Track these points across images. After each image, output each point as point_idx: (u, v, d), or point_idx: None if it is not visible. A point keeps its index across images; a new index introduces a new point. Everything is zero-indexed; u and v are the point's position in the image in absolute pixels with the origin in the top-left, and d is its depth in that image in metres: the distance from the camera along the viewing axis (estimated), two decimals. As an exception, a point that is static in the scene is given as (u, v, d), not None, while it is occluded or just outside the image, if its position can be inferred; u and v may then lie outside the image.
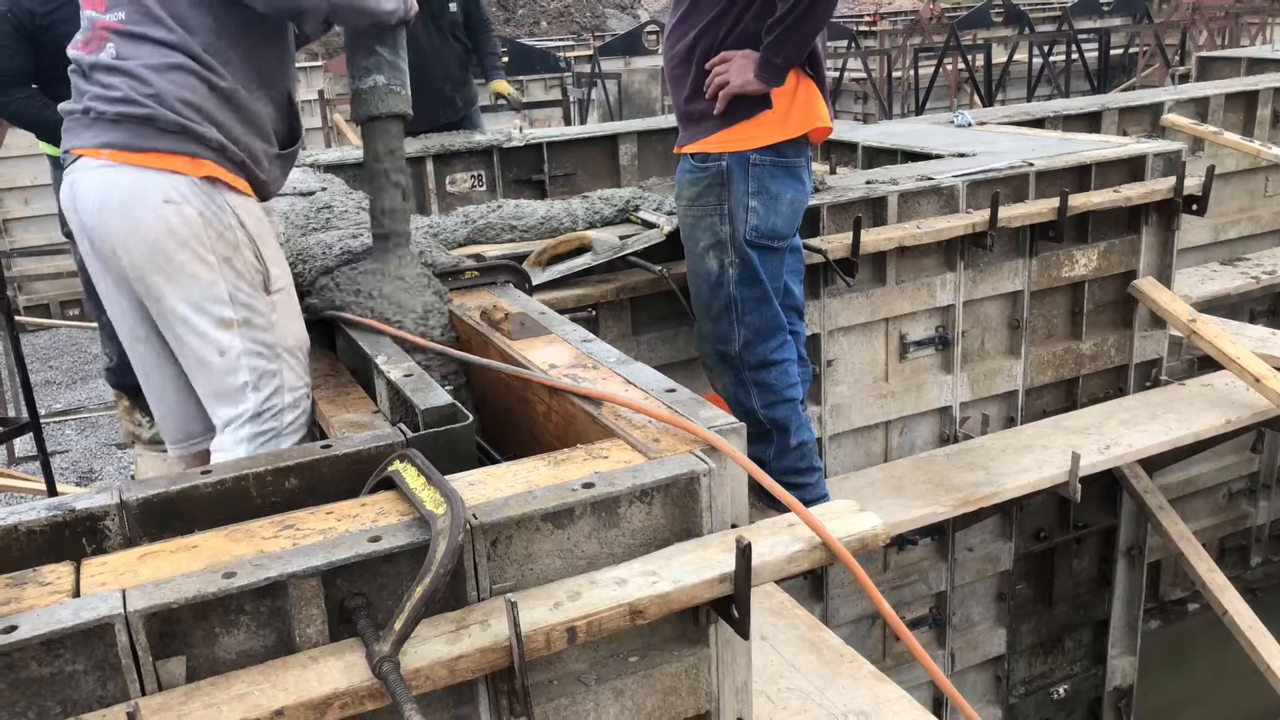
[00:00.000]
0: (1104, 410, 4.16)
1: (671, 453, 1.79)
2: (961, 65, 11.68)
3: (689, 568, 1.63)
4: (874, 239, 3.62)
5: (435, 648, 1.48)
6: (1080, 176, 4.15)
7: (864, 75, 12.04)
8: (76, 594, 1.45)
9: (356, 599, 1.54)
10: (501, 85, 5.95)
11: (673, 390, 2.01)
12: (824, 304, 3.72)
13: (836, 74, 12.14)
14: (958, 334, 4.01)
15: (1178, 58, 12.01)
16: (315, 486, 1.83)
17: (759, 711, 2.42)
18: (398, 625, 1.43)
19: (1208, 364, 4.46)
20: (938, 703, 4.13)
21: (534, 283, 3.04)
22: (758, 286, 3.00)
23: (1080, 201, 3.98)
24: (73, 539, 1.68)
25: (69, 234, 3.58)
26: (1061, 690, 4.81)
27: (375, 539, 1.54)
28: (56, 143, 3.85)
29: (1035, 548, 4.49)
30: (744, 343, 3.00)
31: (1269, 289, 6.08)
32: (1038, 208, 3.92)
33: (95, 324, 3.90)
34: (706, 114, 2.96)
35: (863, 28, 17.38)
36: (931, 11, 15.75)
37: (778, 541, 1.71)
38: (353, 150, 5.19)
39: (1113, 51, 12.78)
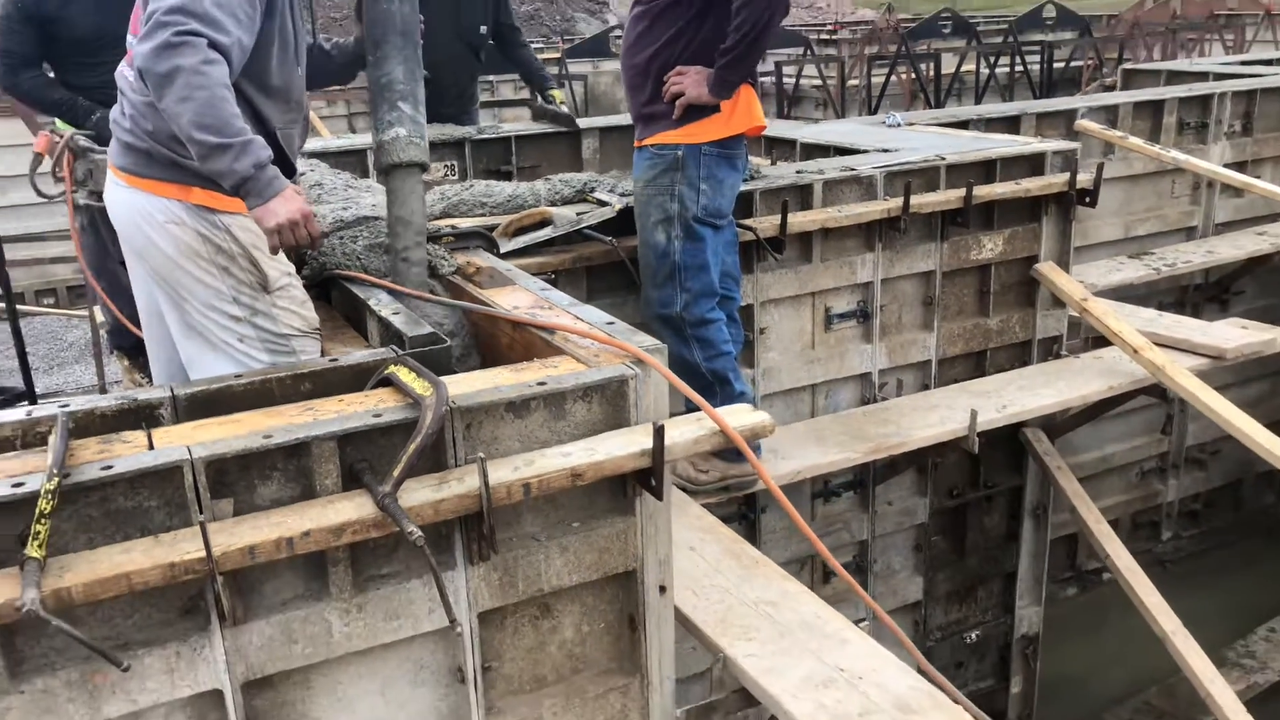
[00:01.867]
0: (1005, 378, 4.70)
1: (608, 365, 2.28)
2: (912, 74, 12.29)
3: (618, 445, 2.13)
4: (800, 220, 4.13)
5: (423, 494, 1.96)
6: (987, 170, 4.69)
7: (819, 82, 12.61)
8: (151, 448, 1.92)
9: (362, 463, 2.02)
10: (558, 94, 6.31)
11: (612, 323, 2.51)
12: (757, 278, 4.22)
13: (793, 80, 12.70)
14: (876, 308, 4.53)
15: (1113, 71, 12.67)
16: (325, 391, 2.30)
17: (686, 603, 2.91)
18: (395, 472, 1.91)
19: (1101, 343, 5.01)
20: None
21: (501, 251, 3.51)
22: (699, 256, 3.51)
23: (985, 192, 4.51)
24: (134, 422, 2.14)
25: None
26: (974, 636, 5.34)
27: (378, 415, 2.02)
28: (63, 119, 4.26)
29: (949, 503, 5.02)
30: (684, 304, 3.51)
31: (1172, 280, 6.68)
32: (946, 196, 4.45)
33: (76, 312, 4.28)
34: (665, 114, 3.49)
35: (823, 36, 18.02)
36: (888, 22, 16.40)
37: (687, 429, 2.21)
38: (333, 141, 5.66)
39: (1056, 64, 13.44)
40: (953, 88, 12.64)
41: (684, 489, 3.66)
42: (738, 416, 2.27)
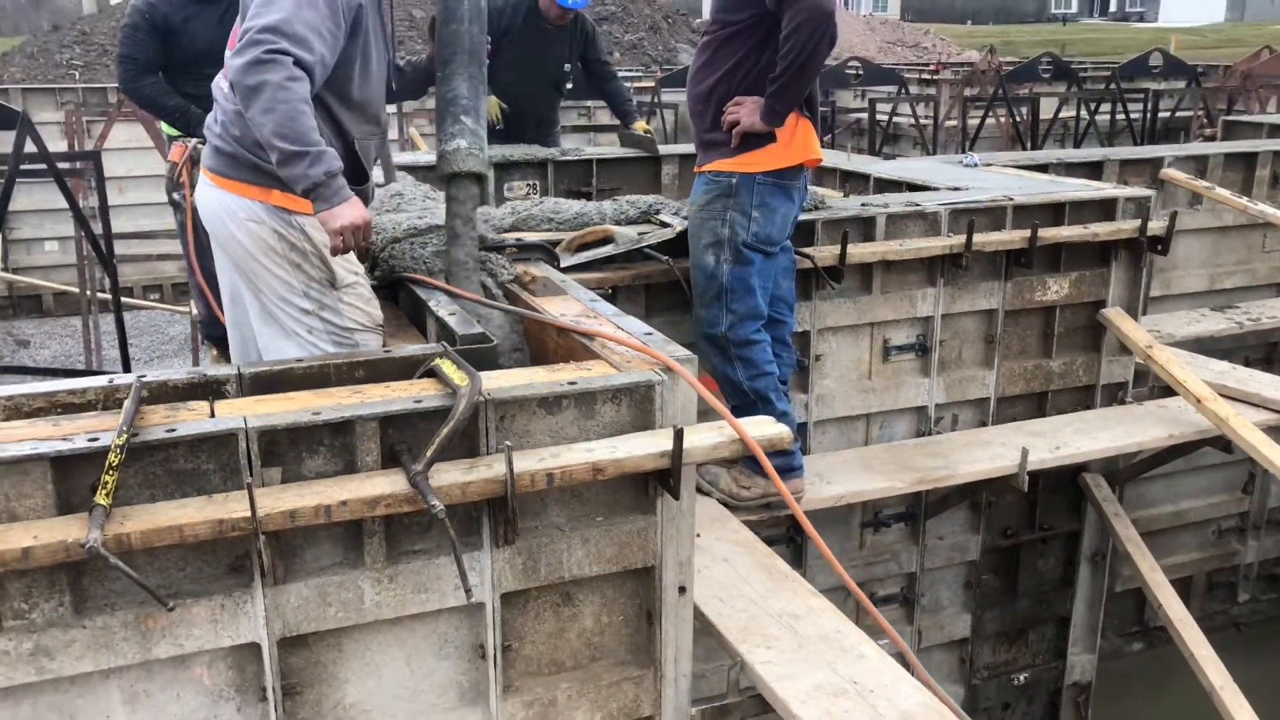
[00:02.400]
0: (1062, 420, 4.69)
1: (639, 371, 2.41)
2: (1007, 116, 12.19)
3: (639, 445, 2.26)
4: (860, 251, 4.22)
5: (453, 476, 2.12)
6: (1055, 212, 4.70)
7: (913, 122, 12.60)
8: (212, 416, 2.12)
9: (401, 445, 2.19)
10: (640, 125, 6.52)
11: (650, 333, 2.64)
12: (815, 305, 4.32)
13: (886, 118, 12.72)
14: (936, 342, 4.58)
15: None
16: (377, 378, 2.48)
17: (712, 609, 3.01)
18: (428, 453, 2.08)
19: (1169, 393, 4.96)
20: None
21: (563, 265, 3.69)
22: (746, 280, 3.63)
23: (1050, 234, 4.54)
24: (202, 395, 2.34)
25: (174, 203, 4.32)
26: (1022, 678, 5.30)
27: (418, 401, 2.19)
28: (175, 125, 4.59)
29: (1002, 543, 5.01)
30: (729, 325, 3.63)
31: (1260, 335, 6.54)
32: (1010, 236, 4.48)
33: (178, 308, 4.59)
34: (723, 142, 3.62)
35: (925, 76, 17.98)
36: (989, 63, 16.28)
37: (708, 435, 2.33)
38: (423, 155, 5.93)
39: (1162, 114, 13.19)
40: (1050, 132, 12.49)
41: (725, 504, 3.76)
42: (758, 427, 2.38)
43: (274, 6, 2.64)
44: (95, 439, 1.99)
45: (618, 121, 6.67)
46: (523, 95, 5.89)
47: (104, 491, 1.92)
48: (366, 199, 3.12)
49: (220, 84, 2.91)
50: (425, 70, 3.40)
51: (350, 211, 2.65)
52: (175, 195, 4.20)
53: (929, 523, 4.75)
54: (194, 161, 4.21)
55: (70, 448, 1.96)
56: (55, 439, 1.99)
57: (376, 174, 3.17)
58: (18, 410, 2.23)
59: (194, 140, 4.39)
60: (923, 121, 13.06)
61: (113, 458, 1.92)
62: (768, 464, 2.33)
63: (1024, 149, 12.06)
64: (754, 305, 3.64)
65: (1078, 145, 12.72)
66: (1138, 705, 6.09)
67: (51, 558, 1.89)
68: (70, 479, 1.99)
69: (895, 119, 13.04)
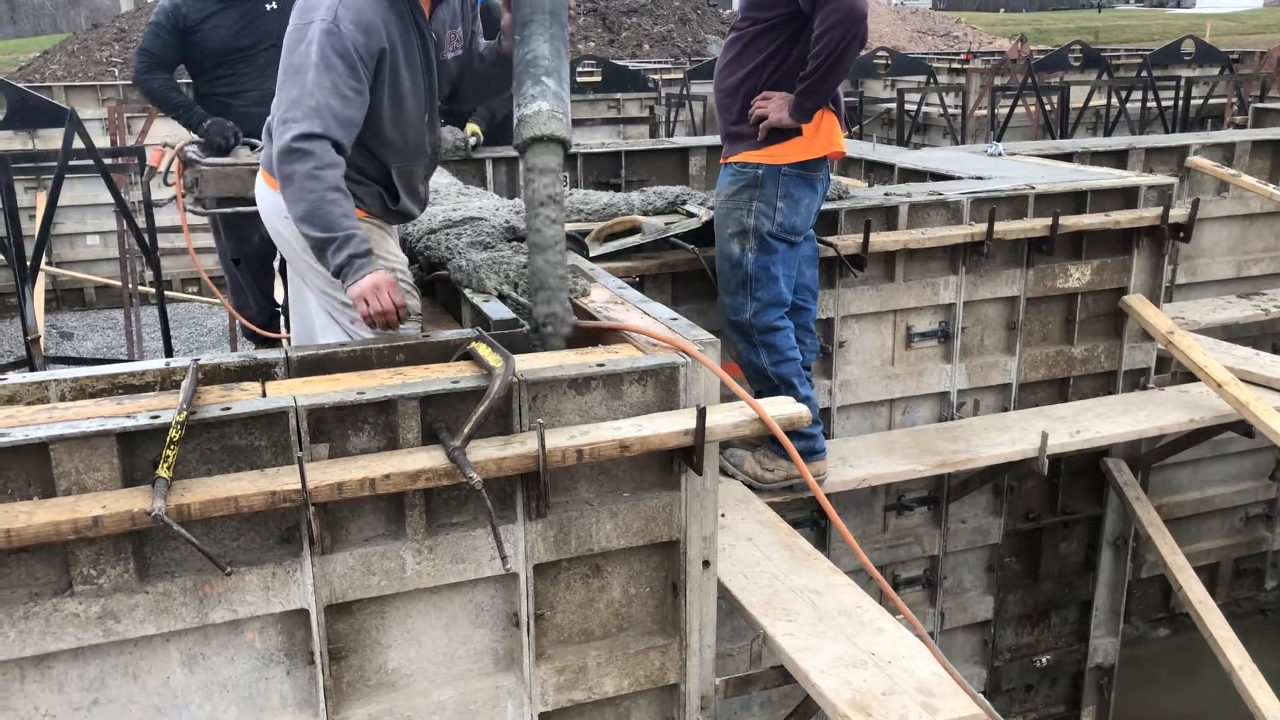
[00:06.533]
0: (1084, 405, 4.76)
1: (664, 354, 2.53)
2: (1036, 105, 12.17)
3: (664, 424, 2.38)
4: (883, 240, 4.31)
5: (488, 451, 2.25)
6: (1077, 201, 4.77)
7: (941, 111, 12.60)
8: (264, 396, 2.26)
9: (440, 423, 2.32)
10: (471, 127, 6.20)
11: (675, 319, 2.76)
12: (839, 293, 4.41)
13: (915, 107, 12.73)
14: (958, 329, 4.66)
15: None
16: (416, 362, 2.62)
17: (736, 585, 3.13)
18: (466, 430, 2.21)
19: (1191, 378, 5.01)
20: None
21: (591, 254, 3.81)
22: (771, 268, 3.74)
23: (1072, 222, 4.60)
24: (254, 377, 2.49)
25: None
26: (1045, 660, 5.38)
27: (456, 382, 2.32)
28: (178, 120, 4.78)
29: (1024, 527, 5.09)
30: (753, 312, 3.73)
31: (1281, 320, 6.55)
32: (1032, 224, 4.56)
33: (216, 300, 4.78)
34: (750, 135, 3.73)
35: (955, 65, 17.93)
36: (1019, 52, 16.21)
37: (729, 414, 2.45)
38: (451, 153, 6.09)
39: (1194, 101, 13.11)
40: (1081, 121, 12.46)
41: (750, 486, 3.88)
42: (777, 407, 2.49)
43: (295, 82, 2.75)
44: (157, 416, 2.13)
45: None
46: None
47: (165, 465, 2.06)
48: (407, 216, 3.24)
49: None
50: (500, 56, 3.15)
51: (372, 280, 2.73)
52: (149, 195, 4.36)
53: (951, 506, 4.83)
54: (184, 162, 4.39)
55: (135, 424, 2.11)
56: (120, 416, 2.14)
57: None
58: (82, 391, 2.38)
59: (182, 143, 4.57)
60: (952, 111, 13.06)
61: (174, 433, 2.07)
62: (785, 439, 2.44)
63: (1053, 138, 12.04)
64: (778, 293, 3.75)
65: (1108, 134, 12.67)
66: (1163, 690, 6.14)
67: (119, 526, 2.04)
68: (134, 454, 2.14)
69: (925, 109, 13.06)
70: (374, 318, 2.73)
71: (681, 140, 6.81)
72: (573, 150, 5.97)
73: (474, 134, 5.78)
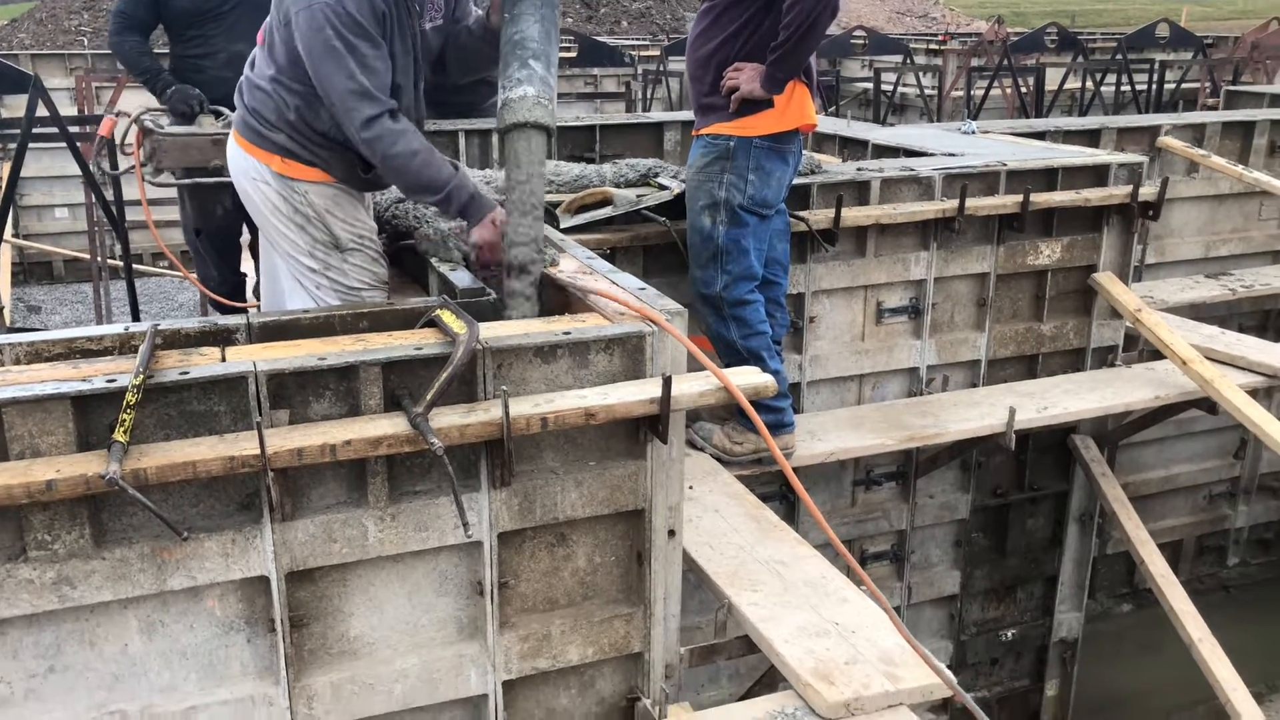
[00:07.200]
0: (1052, 381, 4.80)
1: (631, 323, 2.52)
2: (1012, 87, 12.20)
3: (630, 392, 2.37)
4: (854, 215, 4.30)
5: (452, 418, 2.24)
6: (1049, 178, 4.78)
7: (917, 92, 12.61)
8: (223, 361, 2.23)
9: (403, 390, 2.30)
10: None
11: (643, 288, 2.74)
12: (810, 268, 4.41)
13: (890, 88, 12.73)
14: (928, 305, 4.67)
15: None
16: (380, 329, 2.59)
17: (702, 556, 3.13)
18: (428, 396, 2.19)
19: (1158, 356, 5.05)
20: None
21: (562, 226, 3.78)
22: (741, 241, 3.73)
23: (1043, 199, 4.62)
24: (214, 343, 2.46)
25: None
26: (1010, 634, 5.43)
27: (419, 348, 2.30)
28: (144, 85, 4.69)
29: (991, 502, 5.13)
30: (724, 285, 3.72)
31: (1255, 303, 6.62)
32: (1003, 201, 4.57)
33: (187, 274, 4.71)
34: (721, 106, 3.71)
35: (933, 46, 17.92)
36: (996, 34, 16.22)
37: (695, 383, 2.44)
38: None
39: (1168, 85, 13.18)
40: (1056, 103, 12.50)
41: (719, 459, 3.88)
42: (743, 377, 2.49)
43: (329, 72, 2.79)
44: (113, 380, 2.10)
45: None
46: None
47: (122, 429, 2.03)
48: (381, 184, 3.23)
49: (256, 56, 3.07)
50: (488, 31, 3.10)
51: (482, 232, 2.93)
52: (104, 166, 4.26)
53: (919, 481, 4.86)
54: (145, 132, 4.31)
55: (90, 388, 2.08)
56: (75, 380, 2.11)
57: None
58: (38, 355, 2.35)
59: (139, 111, 4.48)
60: (928, 92, 13.07)
61: (130, 397, 2.04)
62: (750, 408, 2.44)
63: (1029, 120, 12.07)
64: (748, 266, 3.74)
65: (1083, 116, 12.72)
66: (1126, 664, 6.23)
67: (73, 490, 2.01)
68: (90, 418, 2.11)
69: (901, 89, 13.06)
70: (484, 252, 2.92)
71: (656, 115, 6.78)
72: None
73: None
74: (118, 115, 4.35)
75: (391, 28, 2.93)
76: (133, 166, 4.14)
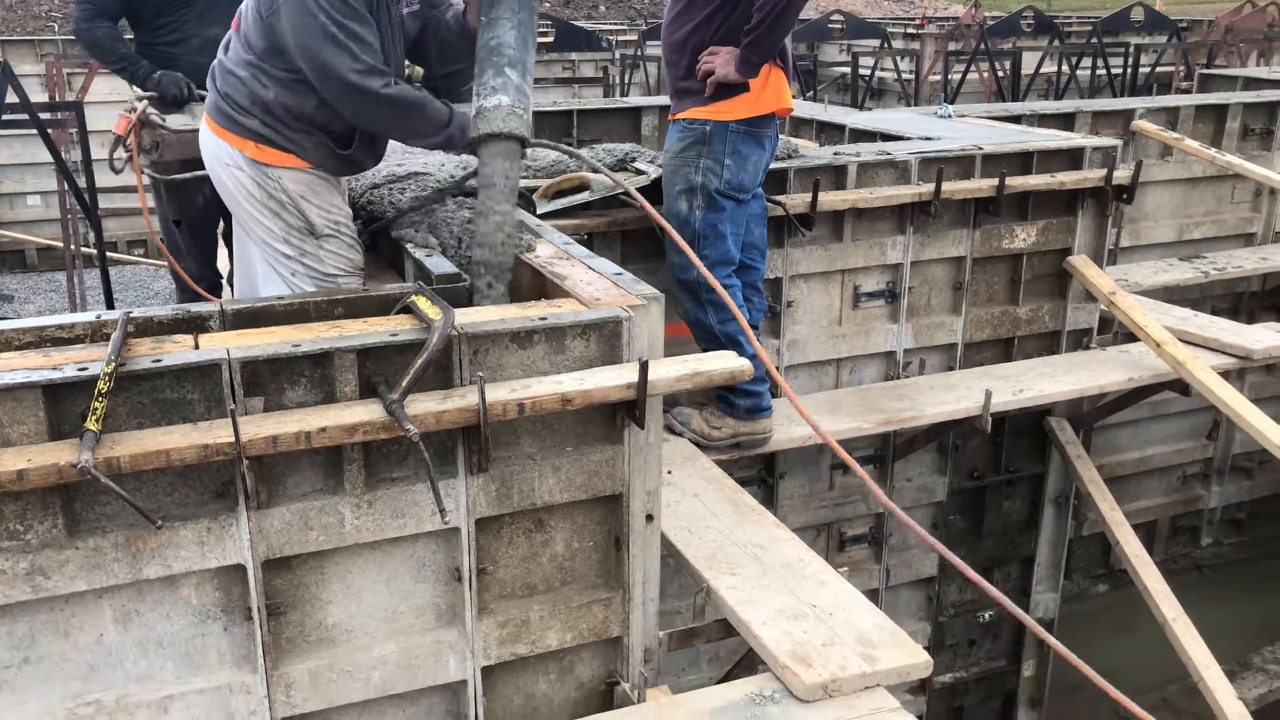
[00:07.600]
0: (1027, 364, 4.83)
1: (607, 308, 2.51)
2: (989, 71, 12.23)
3: (606, 377, 2.37)
4: (831, 199, 4.31)
5: (428, 405, 2.23)
6: (1024, 162, 4.80)
7: (895, 76, 12.62)
8: (196, 348, 2.22)
9: (378, 377, 2.29)
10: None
11: (620, 273, 2.74)
12: (787, 253, 4.42)
13: (868, 72, 12.74)
14: (905, 289, 4.69)
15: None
16: (355, 315, 2.57)
17: (680, 539, 3.14)
18: (404, 382, 2.18)
19: (1133, 339, 5.09)
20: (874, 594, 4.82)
21: (539, 211, 3.77)
22: (718, 226, 3.73)
23: (1018, 182, 4.64)
24: (187, 330, 2.44)
25: None
26: (987, 615, 5.48)
27: (394, 334, 2.29)
28: (120, 74, 4.61)
29: (968, 485, 5.16)
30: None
31: (1227, 285, 6.69)
32: (979, 184, 4.58)
33: (162, 263, 4.63)
34: (697, 91, 3.70)
35: (910, 30, 17.95)
36: (973, 17, 16.28)
37: (672, 368, 2.44)
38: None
39: (1143, 69, 13.24)
40: (1032, 87, 12.55)
41: (697, 444, 3.89)
42: (720, 361, 2.49)
43: (325, 54, 2.80)
44: (85, 368, 2.08)
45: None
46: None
47: (94, 418, 2.01)
48: (358, 166, 3.20)
49: (232, 39, 3.04)
50: (464, 29, 3.13)
51: None
52: (116, 164, 4.21)
53: (897, 464, 4.89)
54: (143, 124, 4.24)
55: (61, 376, 2.06)
56: (46, 368, 2.09)
57: None
58: (8, 344, 2.32)
59: (140, 106, 4.42)
60: (906, 76, 13.09)
61: (102, 385, 2.02)
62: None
63: (1005, 103, 12.11)
64: (725, 251, 3.74)
65: (1059, 99, 12.77)
66: (1102, 643, 6.29)
67: (45, 480, 1.99)
68: (61, 407, 2.09)
69: (879, 73, 13.07)
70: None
71: (634, 100, 6.77)
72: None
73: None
74: (129, 112, 4.26)
75: (376, 7, 2.95)
76: (129, 158, 4.05)
